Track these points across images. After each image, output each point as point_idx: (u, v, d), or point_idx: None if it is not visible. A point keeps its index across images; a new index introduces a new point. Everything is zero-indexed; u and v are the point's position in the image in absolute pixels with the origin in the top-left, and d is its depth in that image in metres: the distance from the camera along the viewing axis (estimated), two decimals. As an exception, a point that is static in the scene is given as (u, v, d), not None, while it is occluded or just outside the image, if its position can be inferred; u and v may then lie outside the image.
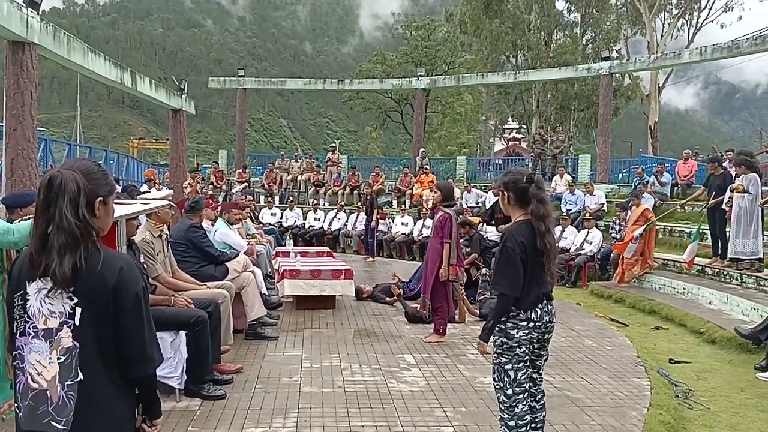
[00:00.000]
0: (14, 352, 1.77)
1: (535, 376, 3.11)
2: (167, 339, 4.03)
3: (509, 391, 2.98)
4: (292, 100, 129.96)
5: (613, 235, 10.81)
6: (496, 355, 3.03)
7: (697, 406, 4.61)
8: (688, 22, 28.10)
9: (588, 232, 10.74)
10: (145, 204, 4.12)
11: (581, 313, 7.80)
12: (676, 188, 13.33)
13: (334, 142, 20.38)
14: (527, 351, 2.98)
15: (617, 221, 10.76)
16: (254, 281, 5.90)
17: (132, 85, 10.00)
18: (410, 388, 4.57)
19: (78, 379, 1.70)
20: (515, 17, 28.37)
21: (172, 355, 4.05)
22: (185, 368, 4.11)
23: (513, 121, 35.35)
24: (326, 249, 10.18)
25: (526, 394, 3.02)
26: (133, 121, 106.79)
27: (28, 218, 2.34)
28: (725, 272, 8.28)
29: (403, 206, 15.20)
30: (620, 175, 19.27)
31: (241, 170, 17.59)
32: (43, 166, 13.45)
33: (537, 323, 2.96)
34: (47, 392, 1.71)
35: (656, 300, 8.16)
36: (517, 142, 35.23)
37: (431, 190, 12.25)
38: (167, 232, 5.06)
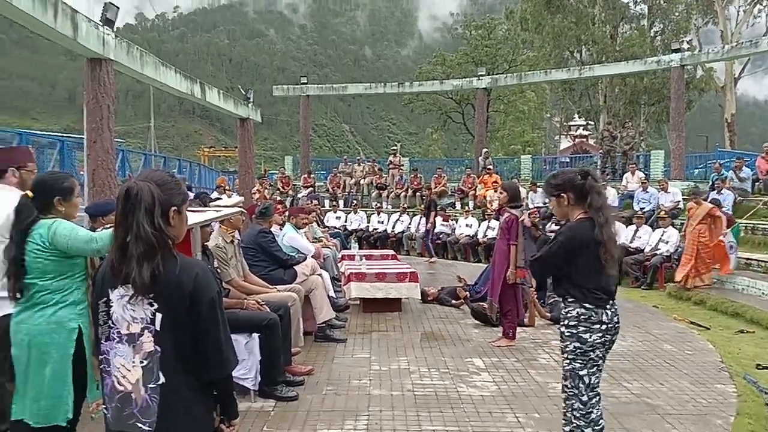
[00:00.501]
0: (100, 356, 1.85)
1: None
2: (241, 341, 4.14)
3: (584, 398, 2.91)
4: (354, 104, 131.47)
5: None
6: (568, 360, 2.94)
7: (789, 415, 4.31)
8: (766, 8, 26.46)
9: (663, 231, 10.28)
10: (217, 211, 4.25)
11: (659, 316, 7.48)
12: (757, 183, 12.57)
13: (396, 145, 20.43)
14: (601, 354, 2.91)
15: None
16: (322, 284, 5.99)
17: (201, 96, 10.37)
18: (480, 393, 4.51)
19: (160, 382, 1.76)
20: (578, 11, 27.57)
21: (247, 357, 4.16)
22: (259, 370, 4.21)
23: (579, 117, 34.38)
24: (391, 252, 10.21)
25: (598, 398, 2.96)
26: (204, 130, 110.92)
27: (110, 226, 2.47)
28: (817, 272, 7.75)
29: (466, 207, 15.05)
30: (696, 170, 18.36)
31: (306, 175, 17.92)
32: (122, 175, 14.15)
33: (609, 325, 2.90)
34: (132, 395, 1.78)
35: (740, 302, 7.71)
36: (584, 139, 34.27)
37: (496, 191, 12.11)
38: (239, 238, 5.20)
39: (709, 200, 10.15)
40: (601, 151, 16.83)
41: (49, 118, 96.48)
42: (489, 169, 16.03)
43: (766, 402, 4.51)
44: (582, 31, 27.36)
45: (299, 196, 16.54)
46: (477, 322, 6.83)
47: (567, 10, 27.54)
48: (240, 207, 5.22)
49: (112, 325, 1.80)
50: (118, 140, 11.31)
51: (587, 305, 2.89)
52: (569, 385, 2.96)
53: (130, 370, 1.78)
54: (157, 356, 1.76)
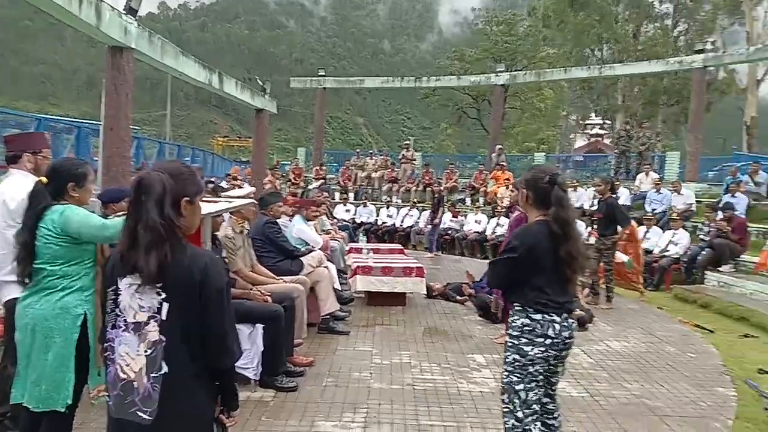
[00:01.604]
0: (105, 344, 1.89)
1: (550, 393, 2.84)
2: (245, 331, 4.21)
3: (519, 414, 2.71)
4: (369, 98, 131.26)
5: (701, 236, 10.22)
6: (506, 373, 2.77)
7: (789, 421, 4.30)
8: (794, 10, 26.01)
9: (674, 233, 10.21)
10: (229, 202, 4.31)
11: (664, 317, 7.45)
12: (773, 188, 12.42)
13: (408, 140, 20.42)
14: (541, 370, 2.71)
15: (707, 222, 10.17)
16: (329, 276, 6.05)
17: (219, 86, 10.43)
18: (480, 389, 4.54)
19: (163, 372, 1.79)
20: (602, 9, 27.32)
21: (249, 347, 4.23)
22: (260, 360, 4.28)
23: (596, 116, 34.09)
24: (398, 246, 10.25)
25: (536, 416, 2.74)
26: (219, 119, 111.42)
27: (122, 214, 2.51)
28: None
29: (476, 204, 15.04)
30: (711, 173, 18.17)
31: (318, 167, 18.00)
32: (136, 163, 14.33)
33: (555, 340, 2.68)
34: (134, 383, 1.82)
35: (746, 306, 7.65)
36: (600, 138, 33.99)
37: (508, 188, 12.08)
38: (248, 228, 5.27)
39: (722, 203, 10.09)
40: (616, 150, 16.70)
41: (68, 104, 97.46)
42: (502, 165, 15.98)
43: (766, 407, 4.50)
44: (604, 29, 27.14)
45: (310, 187, 16.62)
46: (480, 319, 6.86)
47: (591, 8, 27.30)
48: (251, 198, 5.28)
49: (119, 314, 1.84)
50: (134, 127, 11.44)
51: (533, 316, 2.70)
52: (505, 400, 2.77)
53: (134, 359, 1.81)
54: (162, 346, 1.79)
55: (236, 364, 4.15)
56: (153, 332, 1.79)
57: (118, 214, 3.70)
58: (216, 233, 4.54)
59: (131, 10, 7.41)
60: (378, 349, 5.51)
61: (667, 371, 5.15)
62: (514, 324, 2.77)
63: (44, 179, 2.83)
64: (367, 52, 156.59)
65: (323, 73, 21.04)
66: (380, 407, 4.13)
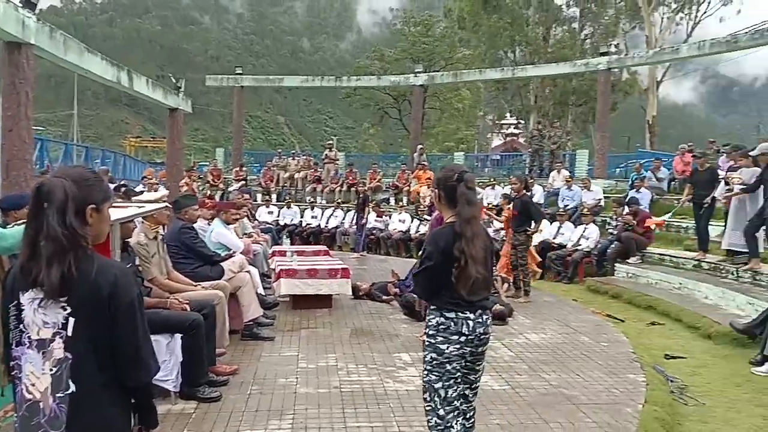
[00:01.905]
0: (12, 362, 1.76)
1: (467, 393, 2.86)
2: (162, 342, 4.04)
3: (441, 412, 2.74)
4: (290, 97, 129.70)
5: (610, 230, 10.81)
6: (426, 372, 2.79)
7: (692, 401, 4.62)
8: (687, 16, 28.02)
9: (585, 227, 10.75)
10: (140, 207, 4.11)
11: (578, 309, 7.82)
12: (673, 183, 13.33)
13: (331, 140, 20.35)
14: (458, 367, 2.75)
15: (614, 217, 10.77)
16: (251, 281, 5.91)
17: (129, 84, 9.95)
18: (406, 388, 4.58)
19: (70, 392, 1.69)
20: (514, 12, 28.31)
21: (168, 358, 4.06)
22: (180, 371, 4.12)
23: (511, 116, 35.32)
24: (323, 248, 10.17)
25: (457, 413, 2.77)
26: (131, 119, 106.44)
27: (22, 222, 2.33)
28: (721, 267, 8.30)
29: (400, 203, 15.19)
30: (618, 170, 19.27)
31: (238, 168, 17.58)
32: (40, 166, 13.44)
33: (470, 336, 2.72)
34: (40, 404, 1.70)
35: (652, 295, 8.17)
36: (515, 138, 35.23)
37: (429, 187, 12.28)
38: (163, 233, 5.06)
39: (628, 198, 10.71)
40: (530, 149, 17.38)
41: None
42: (423, 165, 16.23)
43: (672, 390, 4.81)
44: (516, 31, 28.11)
45: (230, 189, 16.20)
46: (405, 317, 6.93)
47: (503, 11, 28.20)
48: (165, 201, 5.07)
49: (23, 330, 1.72)
50: (37, 128, 10.71)
51: (447, 314, 2.73)
52: (427, 398, 2.80)
53: (39, 378, 1.70)
54: (68, 364, 1.68)
55: (155, 377, 4.00)
56: (58, 350, 1.69)
57: (19, 222, 3.46)
58: (128, 240, 4.33)
59: (29, 3, 6.93)
60: (304, 353, 5.44)
61: (582, 361, 5.39)
62: (430, 323, 2.80)
63: None
64: (286, 50, 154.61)
65: (240, 71, 20.59)
66: (307, 412, 4.08)
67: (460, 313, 2.74)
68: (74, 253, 1.67)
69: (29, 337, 1.71)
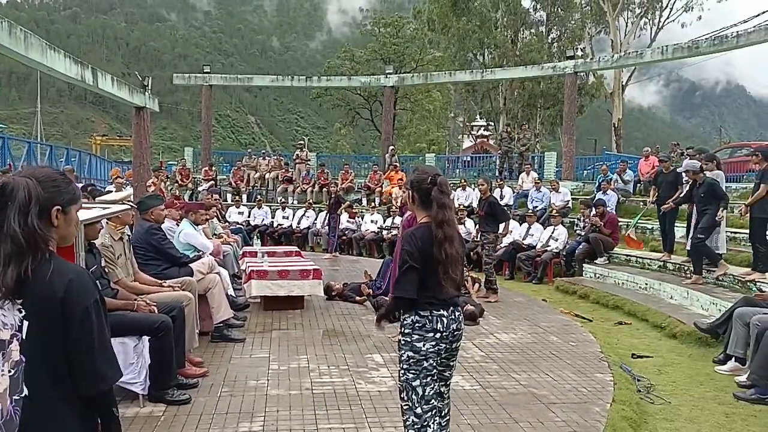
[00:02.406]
0: None
1: (443, 389, 2.90)
2: (130, 344, 3.96)
3: (418, 410, 2.77)
4: (260, 96, 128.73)
5: (577, 231, 10.99)
6: (403, 371, 2.82)
7: (658, 400, 4.71)
8: (651, 21, 28.69)
9: (554, 228, 10.90)
10: (104, 208, 4.02)
11: (547, 309, 7.91)
12: (638, 185, 13.62)
13: (303, 139, 20.24)
14: (435, 364, 2.78)
15: (581, 218, 10.95)
16: (220, 283, 5.83)
17: (93, 82, 9.71)
18: (378, 389, 4.57)
19: (23, 395, 1.64)
20: (482, 15, 28.54)
21: (135, 361, 3.97)
22: (148, 374, 4.04)
23: (481, 118, 35.65)
24: (294, 248, 10.11)
25: (434, 411, 2.81)
26: (96, 117, 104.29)
27: None
28: (686, 268, 8.49)
29: (372, 204, 15.19)
30: (585, 172, 19.61)
31: (207, 168, 17.36)
32: (2, 165, 13.06)
33: (444, 333, 2.77)
34: None
35: (619, 295, 8.32)
36: (485, 139, 35.53)
37: (401, 188, 12.31)
38: (129, 234, 4.95)
39: (595, 200, 10.90)
40: (499, 151, 17.55)
41: None
42: (395, 165, 16.26)
43: (639, 389, 4.90)
44: (485, 34, 28.34)
45: (200, 189, 15.99)
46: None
47: (471, 14, 28.41)
48: (129, 201, 4.96)
49: None
50: (-2, 126, 10.36)
51: (422, 312, 2.76)
52: (404, 398, 2.82)
53: None
54: (22, 366, 1.63)
55: (123, 379, 3.92)
56: (15, 351, 1.63)
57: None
58: (94, 241, 4.23)
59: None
60: (275, 355, 5.39)
61: (551, 360, 5.46)
62: (405, 322, 2.81)
63: None
64: (256, 48, 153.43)
65: (208, 70, 20.32)
66: (278, 414, 4.04)
67: (434, 311, 2.77)
68: (32, 255, 1.62)
69: None
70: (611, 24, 27.59)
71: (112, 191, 9.46)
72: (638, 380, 5.09)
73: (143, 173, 12.04)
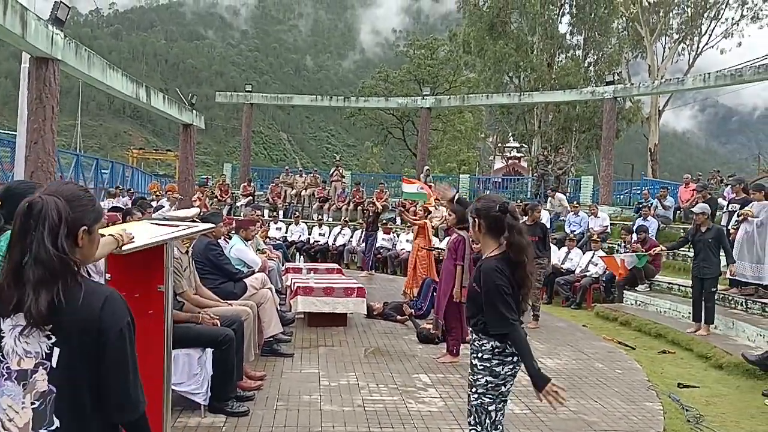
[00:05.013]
0: None
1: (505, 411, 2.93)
2: (194, 356, 4.11)
3: None
4: (293, 113, 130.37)
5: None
6: (477, 395, 2.82)
7: (708, 431, 4.68)
8: (689, 47, 28.51)
9: (594, 253, 10.84)
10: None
11: (589, 335, 7.88)
12: (678, 212, 13.47)
13: (336, 157, 20.55)
14: (510, 387, 2.82)
15: (623, 244, 10.87)
16: (272, 298, 5.98)
17: (147, 100, 10.14)
18: (429, 409, 4.64)
19: (53, 427, 1.56)
20: (519, 39, 28.72)
21: (198, 372, 4.12)
22: (210, 385, 4.18)
23: (514, 140, 35.63)
24: (336, 266, 10.26)
25: None
26: (134, 131, 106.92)
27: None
28: (730, 297, 8.39)
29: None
30: (621, 196, 19.45)
31: (245, 184, 17.71)
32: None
33: (516, 357, 2.79)
34: None
35: (662, 324, 8.24)
36: (517, 161, 35.44)
37: (437, 208, 12.39)
38: (192, 249, 5.14)
39: (636, 226, 10.83)
40: (535, 174, 17.54)
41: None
42: (430, 185, 16.34)
43: (689, 419, 4.87)
44: (521, 57, 28.47)
45: (238, 204, 16.32)
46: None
47: (508, 37, 28.60)
48: (197, 220, 5.15)
49: (1, 359, 1.58)
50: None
51: (501, 338, 2.79)
52: (473, 422, 2.84)
53: (18, 413, 1.57)
54: (52, 397, 1.55)
55: (185, 389, 4.08)
56: (42, 381, 1.55)
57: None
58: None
59: (57, 21, 7.11)
60: (324, 371, 5.50)
61: (599, 387, 5.46)
62: (484, 348, 2.83)
63: None
64: (290, 67, 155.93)
65: (250, 89, 20.82)
66: (334, 430, 4.14)
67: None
68: (63, 279, 1.54)
69: (8, 368, 1.58)
70: (648, 49, 27.51)
71: (164, 206, 9.75)
72: (687, 410, 5.06)
73: (188, 188, 12.41)
